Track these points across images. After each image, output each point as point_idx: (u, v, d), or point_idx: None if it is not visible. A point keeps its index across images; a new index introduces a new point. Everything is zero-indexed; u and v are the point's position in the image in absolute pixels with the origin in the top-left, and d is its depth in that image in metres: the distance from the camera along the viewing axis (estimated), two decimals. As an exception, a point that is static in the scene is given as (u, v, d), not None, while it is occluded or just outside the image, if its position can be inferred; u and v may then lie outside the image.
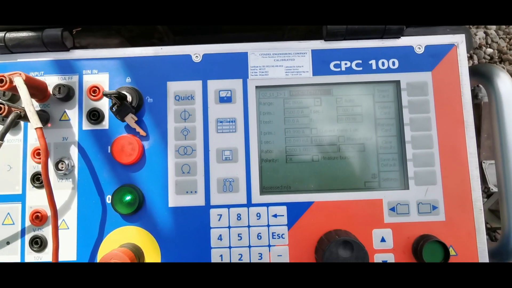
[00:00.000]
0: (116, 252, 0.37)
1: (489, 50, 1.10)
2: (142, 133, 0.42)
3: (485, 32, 1.66)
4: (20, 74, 0.37)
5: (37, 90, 0.40)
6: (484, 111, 0.75)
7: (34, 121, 0.35)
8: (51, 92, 0.43)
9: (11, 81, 0.36)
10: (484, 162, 0.78)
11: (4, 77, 0.36)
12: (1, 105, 0.36)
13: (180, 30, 0.57)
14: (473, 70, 0.47)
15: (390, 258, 0.41)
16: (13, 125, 0.37)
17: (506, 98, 0.44)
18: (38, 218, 0.41)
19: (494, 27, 1.63)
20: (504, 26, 1.64)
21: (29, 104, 0.35)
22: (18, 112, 0.37)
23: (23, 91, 0.36)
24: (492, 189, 0.78)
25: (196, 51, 0.44)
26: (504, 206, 0.44)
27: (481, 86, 0.80)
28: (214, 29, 0.55)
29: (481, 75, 0.47)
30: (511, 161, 0.42)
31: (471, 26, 1.22)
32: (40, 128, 0.35)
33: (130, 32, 0.58)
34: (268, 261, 0.41)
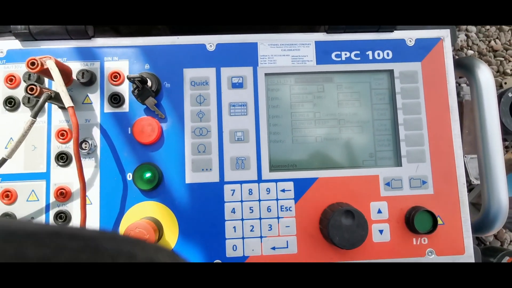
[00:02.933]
0: (140, 222, 0.41)
1: (470, 52, 1.17)
2: (161, 115, 0.46)
3: (466, 35, 1.75)
4: (51, 57, 0.40)
5: (63, 74, 0.43)
6: (466, 109, 0.81)
7: (67, 101, 0.38)
8: (74, 77, 0.45)
9: (42, 64, 0.39)
10: (465, 157, 0.84)
11: (36, 60, 0.39)
12: (34, 86, 0.39)
13: (178, 29, 0.59)
14: (457, 62, 0.53)
15: (386, 227, 0.46)
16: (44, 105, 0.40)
17: (485, 87, 0.50)
18: (63, 195, 0.44)
19: (474, 30, 1.73)
20: (484, 29, 1.74)
21: (62, 85, 0.38)
22: (49, 93, 0.40)
23: (55, 73, 0.39)
24: (473, 182, 0.83)
25: (210, 41, 0.47)
26: (484, 185, 0.49)
27: (462, 85, 0.87)
28: (213, 29, 0.57)
29: (464, 67, 0.52)
30: (489, 141, 0.47)
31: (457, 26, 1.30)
32: (72, 107, 0.39)
33: (128, 29, 0.60)
34: (277, 232, 0.45)
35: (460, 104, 0.82)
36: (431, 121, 0.48)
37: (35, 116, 0.38)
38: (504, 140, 0.81)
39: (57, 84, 0.39)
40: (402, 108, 0.48)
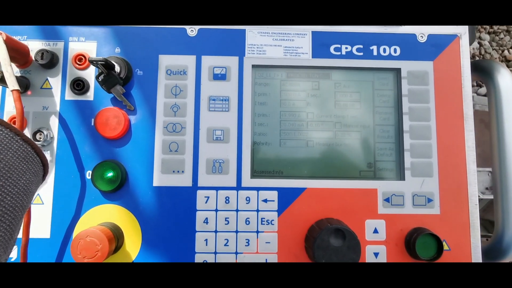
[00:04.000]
0: (93, 230, 0.35)
1: (482, 61, 1.10)
2: (130, 106, 0.40)
3: (479, 43, 1.68)
4: (1, 33, 0.35)
5: (17, 53, 0.37)
6: (475, 119, 0.75)
7: (11, 83, 0.32)
8: (33, 58, 0.40)
9: (-12, 39, 0.34)
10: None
11: (-19, 34, 0.33)
12: (-24, 64, 0.34)
13: None
14: (474, 65, 0.46)
15: (382, 250, 0.39)
16: (-12, 86, 0.34)
17: (505, 93, 0.43)
18: (11, 191, 0.38)
19: (488, 38, 1.65)
20: (497, 38, 1.66)
21: (7, 65, 0.33)
22: (-4, 73, 0.34)
23: (1, 51, 0.33)
24: (479, 196, 0.78)
25: (192, 25, 0.42)
26: (499, 205, 0.43)
27: (473, 94, 0.80)
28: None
29: (482, 70, 0.46)
30: (507, 152, 0.41)
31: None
32: (17, 90, 0.33)
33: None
34: (255, 249, 0.39)
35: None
36: (441, 130, 0.41)
37: (-27, 98, 0.32)
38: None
39: (2, 63, 0.33)
40: (408, 113, 0.41)
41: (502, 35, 1.57)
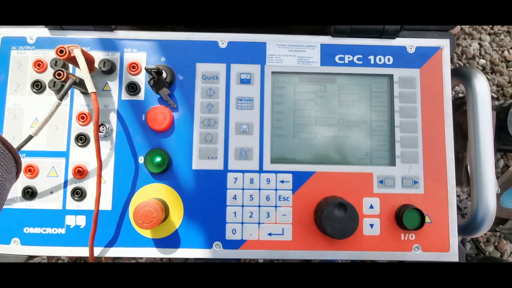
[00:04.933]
0: (150, 201, 0.44)
1: (482, 61, 1.18)
2: (173, 105, 0.49)
3: (479, 44, 1.75)
4: (77, 46, 0.44)
5: (87, 62, 0.47)
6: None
7: (90, 87, 0.42)
8: (96, 66, 0.49)
9: (69, 52, 0.43)
10: (468, 165, 0.85)
11: (64, 48, 0.43)
12: (61, 72, 0.43)
13: (192, 26, 0.62)
14: (455, 71, 0.55)
15: (377, 222, 0.49)
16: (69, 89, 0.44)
17: (480, 95, 0.52)
18: (80, 173, 0.48)
19: (488, 39, 1.72)
20: (498, 39, 1.74)
21: (86, 72, 0.42)
22: (74, 79, 0.44)
23: (81, 61, 0.43)
24: None
25: (223, 39, 0.51)
26: (474, 186, 0.52)
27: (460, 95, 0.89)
28: (225, 27, 0.60)
29: (461, 76, 0.55)
30: (481, 147, 0.50)
31: (466, 37, 1.31)
32: (95, 92, 0.42)
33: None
34: (274, 220, 0.49)
35: (464, 113, 0.83)
36: (426, 125, 0.50)
37: (61, 99, 0.42)
38: (508, 151, 0.82)
39: (82, 71, 0.43)
40: (399, 111, 0.51)
41: (502, 36, 1.64)
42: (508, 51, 1.79)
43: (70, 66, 0.50)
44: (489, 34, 1.77)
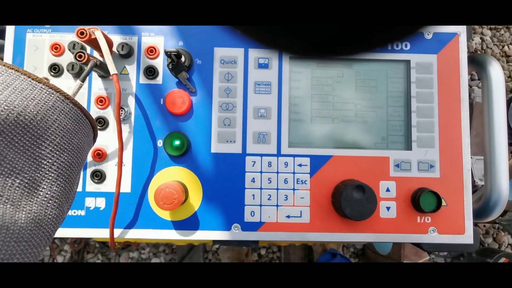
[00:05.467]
0: (171, 183, 0.45)
1: (484, 55, 1.17)
2: (192, 89, 0.50)
3: (481, 38, 1.75)
4: (97, 28, 0.44)
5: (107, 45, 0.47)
6: (475, 111, 0.84)
7: (112, 68, 0.42)
8: (114, 49, 0.49)
9: (90, 34, 0.43)
10: (472, 157, 0.86)
11: (85, 30, 0.43)
12: (82, 54, 0.43)
13: None
14: (471, 58, 0.55)
15: (393, 205, 0.49)
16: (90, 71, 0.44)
17: (495, 82, 0.53)
18: (99, 156, 0.49)
19: (489, 34, 1.72)
20: (498, 34, 1.74)
21: (108, 53, 0.42)
22: (95, 61, 0.44)
23: (102, 42, 0.43)
24: (477, 183, 0.85)
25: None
26: (488, 170, 0.53)
27: (474, 87, 0.90)
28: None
29: (477, 63, 0.55)
30: (495, 132, 0.51)
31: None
32: (116, 74, 0.43)
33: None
34: (292, 203, 0.49)
35: (470, 106, 0.84)
36: (442, 110, 0.51)
37: (83, 80, 0.42)
38: (510, 144, 0.83)
39: (104, 53, 0.43)
40: (416, 97, 0.51)
41: (502, 31, 1.65)
42: (508, 46, 1.79)
43: (88, 49, 0.50)
44: (490, 29, 1.77)
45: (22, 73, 0.25)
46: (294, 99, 0.51)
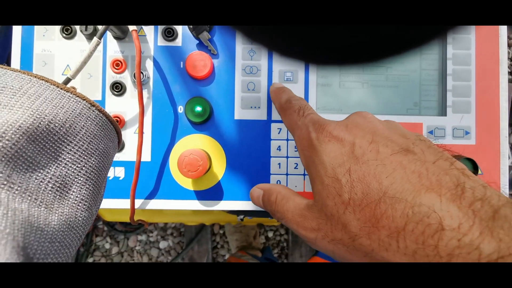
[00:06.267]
0: (195, 149, 0.42)
1: None
2: (213, 51, 0.47)
3: None
4: (114, -18, 0.41)
5: (122, 2, 0.44)
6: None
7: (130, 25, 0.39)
8: (130, 8, 0.46)
9: (106, -12, 0.40)
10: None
11: (100, -17, 0.40)
12: (98, 9, 0.40)
13: None
14: None
15: (426, 173, 0.47)
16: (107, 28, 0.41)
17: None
18: (117, 122, 0.46)
19: None
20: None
21: (126, 8, 0.39)
22: (112, 17, 0.41)
23: (120, -4, 0.39)
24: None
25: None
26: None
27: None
28: None
29: (514, 23, 0.52)
30: (537, 95, 0.48)
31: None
32: (135, 30, 0.39)
33: None
34: (319, 172, 0.47)
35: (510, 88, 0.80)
36: (479, 73, 0.48)
37: (100, 37, 0.39)
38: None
39: (122, 7, 0.39)
40: (452, 59, 0.48)
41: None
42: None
43: (101, 9, 0.47)
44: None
45: (51, 83, 0.26)
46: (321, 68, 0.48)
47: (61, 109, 0.25)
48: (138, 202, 0.46)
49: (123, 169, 0.46)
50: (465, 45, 0.48)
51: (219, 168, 0.47)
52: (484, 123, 0.48)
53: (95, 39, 0.39)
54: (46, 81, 0.26)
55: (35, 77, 0.26)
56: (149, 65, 0.47)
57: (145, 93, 0.47)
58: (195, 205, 0.46)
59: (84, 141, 0.26)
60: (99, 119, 0.28)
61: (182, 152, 0.42)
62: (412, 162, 0.26)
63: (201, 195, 0.47)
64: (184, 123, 0.47)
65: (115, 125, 0.31)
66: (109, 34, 0.47)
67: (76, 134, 0.26)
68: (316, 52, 0.20)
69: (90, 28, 0.45)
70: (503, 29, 0.48)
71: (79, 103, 0.27)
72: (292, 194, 0.34)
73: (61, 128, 0.25)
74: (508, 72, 0.85)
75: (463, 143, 0.48)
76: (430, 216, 0.23)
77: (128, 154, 0.46)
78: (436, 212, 0.23)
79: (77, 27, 0.46)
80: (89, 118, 0.27)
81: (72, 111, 0.26)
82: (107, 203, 0.46)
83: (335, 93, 0.48)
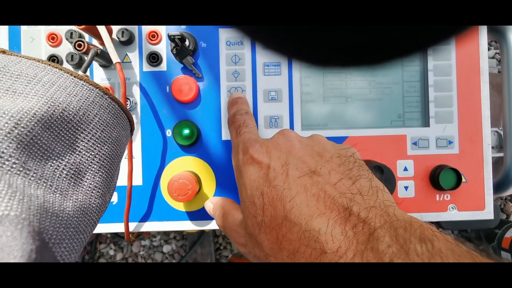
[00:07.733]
0: (184, 173, 0.43)
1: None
2: (198, 74, 0.47)
3: None
4: (95, 15, 0.41)
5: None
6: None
7: (115, 57, 0.40)
8: (114, 36, 0.47)
9: (88, 21, 0.41)
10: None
11: (82, 17, 0.40)
12: (81, 42, 0.41)
13: None
14: (490, 26, 0.52)
15: (411, 184, 0.48)
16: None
17: (516, 49, 0.50)
18: (107, 149, 0.47)
19: None
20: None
21: (109, 41, 0.40)
22: (96, 49, 0.42)
23: (102, 30, 0.40)
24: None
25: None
26: (507, 144, 0.51)
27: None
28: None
29: (495, 30, 0.52)
30: (518, 103, 0.49)
31: None
32: (119, 62, 0.40)
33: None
34: (307, 187, 0.48)
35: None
36: (461, 83, 0.48)
37: (85, 71, 0.40)
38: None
39: (105, 40, 0.40)
40: (433, 70, 0.49)
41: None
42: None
43: (86, 37, 0.48)
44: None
45: (65, 72, 0.26)
46: (305, 79, 0.49)
47: (74, 97, 0.25)
48: (132, 225, 0.48)
49: (116, 194, 0.48)
50: (445, 56, 0.49)
51: (209, 188, 0.48)
52: (467, 132, 0.49)
53: (80, 73, 0.40)
54: (60, 69, 0.26)
55: (49, 65, 0.26)
56: (136, 91, 0.48)
57: (134, 118, 0.47)
58: (188, 225, 0.48)
59: (98, 129, 0.26)
60: (112, 107, 0.28)
61: (171, 177, 0.43)
62: (315, 185, 0.28)
63: (193, 215, 0.48)
64: (173, 146, 0.48)
65: (128, 113, 0.30)
66: (95, 63, 0.47)
67: (90, 122, 0.26)
68: (312, 50, 0.19)
69: (76, 57, 0.46)
70: (483, 38, 0.49)
71: (92, 91, 0.27)
72: (233, 209, 0.36)
73: (75, 116, 0.25)
74: (496, 66, 0.86)
75: (446, 152, 0.49)
76: (316, 240, 0.25)
77: (120, 179, 0.48)
78: (321, 236, 0.25)
79: (63, 58, 0.47)
80: (102, 106, 0.27)
81: (86, 99, 0.26)
82: (102, 228, 0.47)
83: (320, 110, 0.49)
